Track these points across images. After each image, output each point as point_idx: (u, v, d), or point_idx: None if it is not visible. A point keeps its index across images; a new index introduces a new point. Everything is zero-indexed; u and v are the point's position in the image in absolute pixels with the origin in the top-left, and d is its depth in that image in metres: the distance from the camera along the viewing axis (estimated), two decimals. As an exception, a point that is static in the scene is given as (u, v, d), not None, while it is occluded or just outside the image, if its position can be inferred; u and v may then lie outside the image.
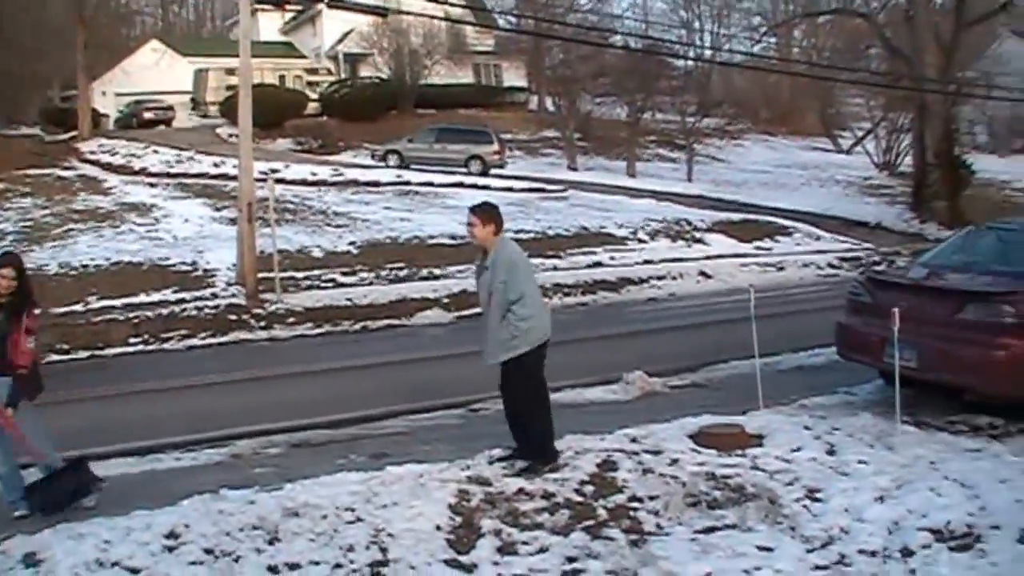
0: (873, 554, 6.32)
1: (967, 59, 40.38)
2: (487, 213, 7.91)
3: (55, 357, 15.33)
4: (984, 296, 9.01)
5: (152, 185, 32.72)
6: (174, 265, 20.91)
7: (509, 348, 7.73)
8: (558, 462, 7.83)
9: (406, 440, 9.92)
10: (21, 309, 7.64)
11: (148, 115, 49.74)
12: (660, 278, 21.99)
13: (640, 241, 26.48)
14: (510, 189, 33.00)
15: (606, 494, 7.32)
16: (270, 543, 6.46)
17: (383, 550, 6.39)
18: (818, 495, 7.20)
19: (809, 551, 6.41)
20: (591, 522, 6.93)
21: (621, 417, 9.71)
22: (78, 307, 18.23)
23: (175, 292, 19.20)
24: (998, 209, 31.88)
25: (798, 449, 8.09)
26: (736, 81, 57.58)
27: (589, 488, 7.43)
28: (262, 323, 17.49)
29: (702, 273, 22.69)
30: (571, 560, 6.36)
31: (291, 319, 17.75)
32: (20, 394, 7.63)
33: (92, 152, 39.69)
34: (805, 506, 7.01)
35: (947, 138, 33.84)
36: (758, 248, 27.05)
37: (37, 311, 7.92)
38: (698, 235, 27.51)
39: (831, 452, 8.03)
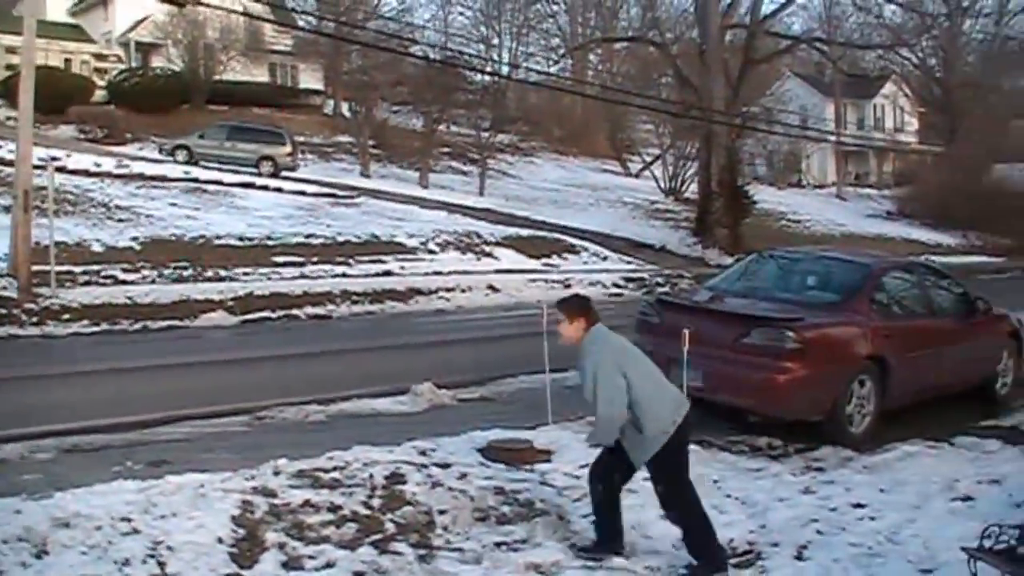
0: (658, 570, 6.51)
1: (753, 95, 42.49)
2: (574, 307, 6.74)
3: None
4: (768, 322, 9.48)
5: (-85, 166, 30.68)
6: (-64, 252, 19.64)
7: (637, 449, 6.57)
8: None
9: (187, 447, 9.57)
10: None
11: (-87, 91, 46.65)
12: (449, 290, 22.08)
13: (430, 252, 26.58)
14: (302, 193, 32.50)
15: (394, 507, 7.26)
16: (37, 556, 6.08)
17: (161, 564, 6.13)
18: (603, 513, 7.35)
19: (595, 568, 6.55)
20: (379, 536, 6.86)
21: (409, 429, 9.69)
22: None
23: (-63, 281, 18.06)
24: (776, 238, 33.60)
25: (586, 465, 8.21)
26: (531, 99, 58.51)
27: (377, 501, 7.35)
28: (34, 318, 16.60)
29: (490, 287, 22.92)
30: (358, 575, 6.28)
31: (66, 315, 16.93)
32: None
33: None
34: (593, 522, 7.14)
35: (730, 168, 35.41)
36: (546, 264, 27.57)
37: None
38: (487, 249, 27.80)
39: (616, 470, 8.22)
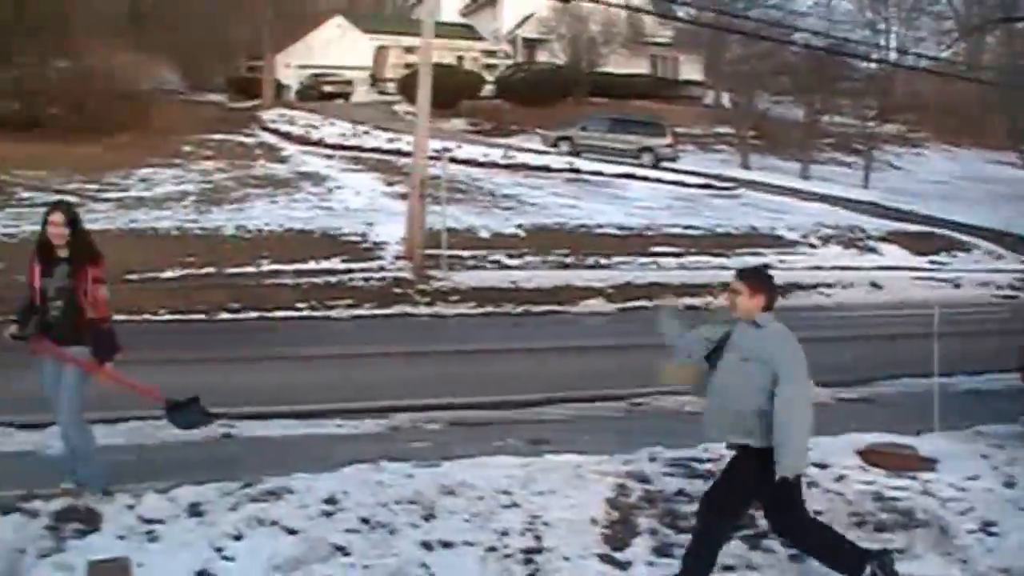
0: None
1: None
2: (762, 280, 6.14)
3: (225, 315, 15.99)
4: None
5: (328, 156, 33.47)
6: (344, 235, 21.27)
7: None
8: None
9: (564, 428, 9.87)
10: (85, 260, 6.98)
11: (327, 88, 50.87)
12: (829, 286, 21.40)
13: (811, 246, 25.83)
14: (681, 183, 32.65)
15: (768, 504, 7.10)
16: (425, 519, 6.47)
17: (537, 537, 6.32)
18: (993, 529, 6.81)
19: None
20: (751, 532, 6.71)
21: (785, 426, 9.42)
22: (250, 269, 18.78)
23: (343, 262, 19.55)
24: None
25: (974, 478, 7.66)
26: (920, 87, 55.55)
27: (750, 496, 7.22)
28: (426, 299, 17.69)
29: (873, 284, 22.00)
30: (728, 569, 6.15)
31: (455, 297, 17.90)
32: (111, 348, 7.01)
33: (273, 121, 40.89)
34: (979, 539, 6.63)
35: None
36: (933, 262, 26.05)
37: (101, 260, 7.13)
38: (871, 244, 26.67)
39: (1009, 484, 7.59)
